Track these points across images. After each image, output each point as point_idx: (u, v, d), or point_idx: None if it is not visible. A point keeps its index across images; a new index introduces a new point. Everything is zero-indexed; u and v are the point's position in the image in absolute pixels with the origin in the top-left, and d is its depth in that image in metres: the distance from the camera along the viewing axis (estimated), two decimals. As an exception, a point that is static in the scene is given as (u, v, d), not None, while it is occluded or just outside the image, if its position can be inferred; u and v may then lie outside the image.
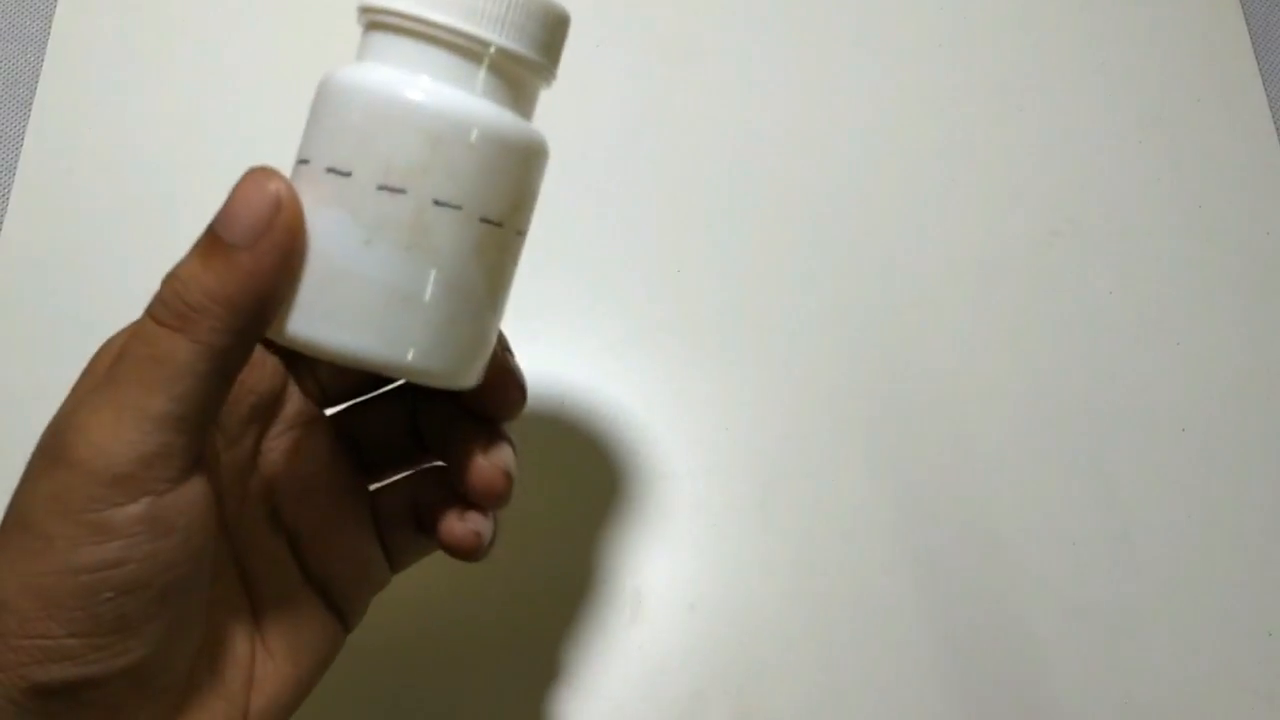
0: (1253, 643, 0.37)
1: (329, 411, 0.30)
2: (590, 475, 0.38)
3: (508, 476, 0.27)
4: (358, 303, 0.23)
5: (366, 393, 0.30)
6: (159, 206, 0.41)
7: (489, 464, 0.27)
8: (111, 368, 0.23)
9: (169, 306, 0.22)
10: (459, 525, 0.28)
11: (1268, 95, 0.45)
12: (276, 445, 0.28)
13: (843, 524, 0.38)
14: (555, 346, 0.40)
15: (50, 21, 0.44)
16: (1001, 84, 0.45)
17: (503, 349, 0.28)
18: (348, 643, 0.29)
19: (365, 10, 0.25)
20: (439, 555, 0.31)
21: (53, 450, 0.22)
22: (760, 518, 0.38)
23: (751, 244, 0.42)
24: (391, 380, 0.30)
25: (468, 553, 0.28)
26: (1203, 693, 0.36)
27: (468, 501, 0.28)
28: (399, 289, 0.24)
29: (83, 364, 0.38)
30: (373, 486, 0.30)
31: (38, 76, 0.43)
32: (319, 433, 0.29)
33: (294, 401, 0.29)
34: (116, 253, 0.41)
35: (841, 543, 0.37)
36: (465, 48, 0.24)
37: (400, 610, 0.35)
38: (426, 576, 0.32)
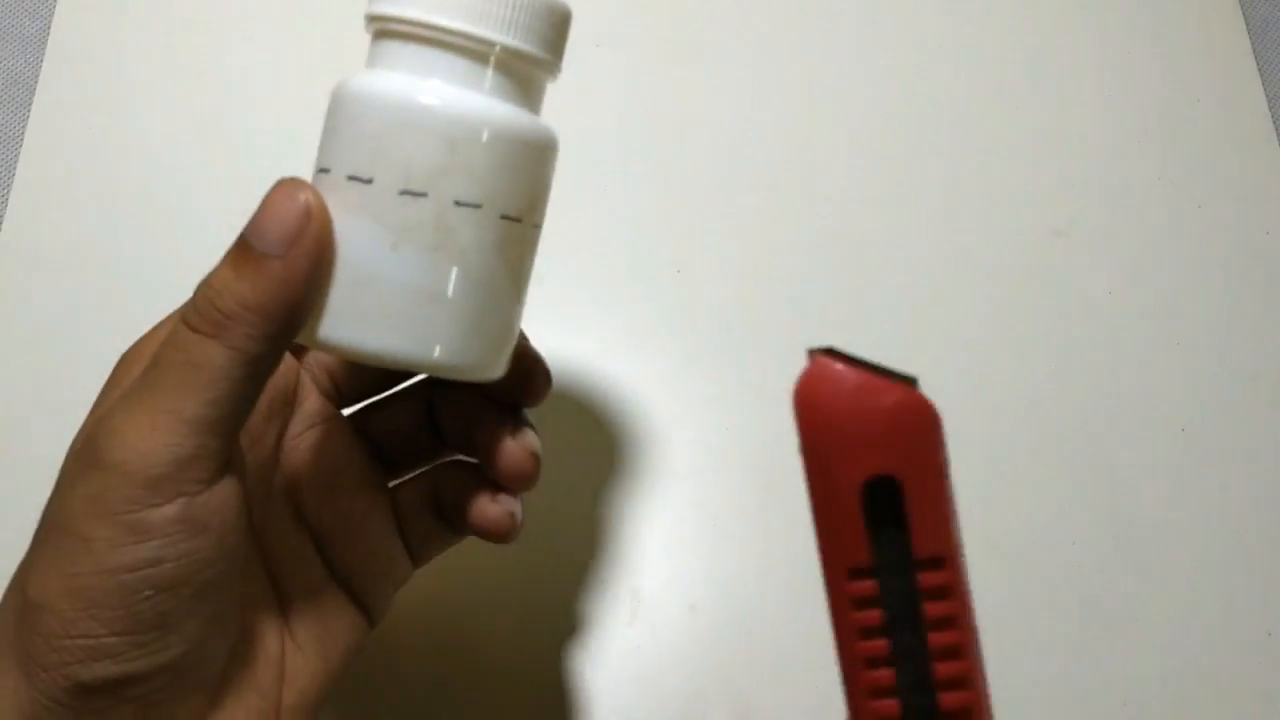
0: (1253, 643, 0.37)
1: (346, 411, 0.31)
2: (590, 475, 0.38)
3: (536, 458, 0.29)
4: (387, 305, 0.24)
5: (382, 391, 0.31)
6: (158, 207, 0.41)
7: (518, 447, 0.28)
8: (146, 373, 0.23)
9: (203, 314, 0.23)
10: (493, 507, 0.29)
11: (1267, 95, 0.45)
12: (297, 444, 0.29)
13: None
14: (554, 347, 0.39)
15: (49, 22, 0.44)
16: (1001, 84, 0.45)
17: (522, 337, 0.28)
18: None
19: (373, 19, 0.25)
20: (443, 555, 0.32)
21: (88, 454, 0.23)
22: (760, 518, 0.38)
23: (752, 244, 0.42)
24: (406, 377, 0.31)
25: (503, 533, 0.29)
26: (1203, 693, 0.36)
27: (496, 487, 0.29)
28: (426, 289, 0.24)
29: (82, 364, 0.38)
30: (391, 483, 0.31)
31: (37, 77, 0.43)
32: (338, 430, 0.30)
33: (312, 400, 0.30)
34: (115, 253, 0.41)
35: (841, 543, 0.37)
36: (473, 49, 0.25)
37: (399, 610, 0.35)
38: (425, 576, 0.32)
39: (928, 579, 0.21)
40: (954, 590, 0.21)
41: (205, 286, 0.23)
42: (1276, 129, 0.45)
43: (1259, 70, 0.46)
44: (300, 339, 0.25)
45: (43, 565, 0.23)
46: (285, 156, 0.42)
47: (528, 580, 0.36)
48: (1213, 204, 0.43)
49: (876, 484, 0.21)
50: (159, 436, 0.22)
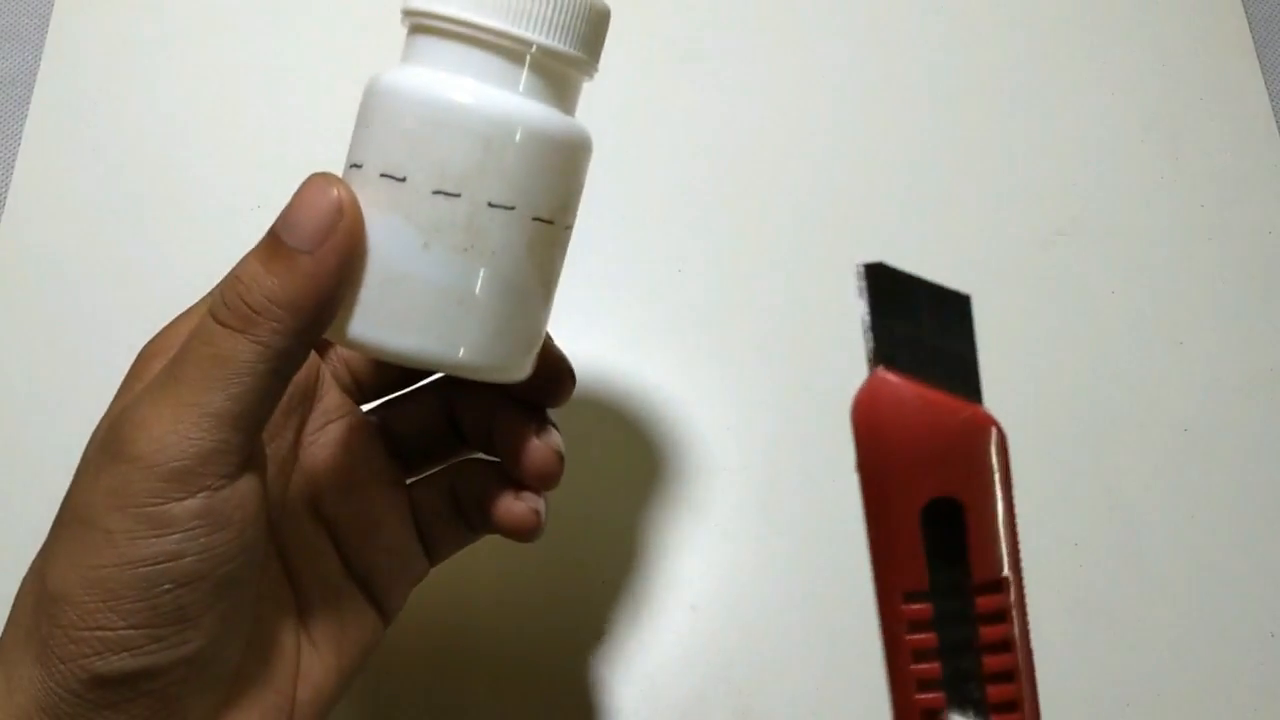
0: (1254, 644, 0.37)
1: (366, 407, 0.31)
2: (590, 476, 0.38)
3: (561, 458, 0.29)
4: (417, 305, 0.24)
5: (402, 388, 0.31)
6: (156, 205, 0.41)
7: (544, 446, 0.28)
8: (172, 365, 0.23)
9: (231, 308, 0.23)
10: (518, 505, 0.29)
11: (1269, 94, 0.45)
12: (315, 439, 0.29)
13: (843, 524, 0.38)
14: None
15: (47, 21, 0.44)
16: (1004, 83, 0.45)
17: (547, 338, 0.28)
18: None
19: (410, 14, 0.25)
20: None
21: (111, 446, 0.23)
22: (761, 518, 0.38)
23: (752, 244, 0.42)
24: (427, 374, 0.31)
25: (529, 530, 0.29)
26: (1203, 693, 0.36)
27: (518, 485, 0.29)
28: (456, 290, 0.24)
29: (80, 361, 0.39)
30: (408, 480, 0.31)
31: (34, 76, 0.43)
32: (357, 426, 0.30)
33: (331, 396, 0.30)
34: (113, 251, 0.41)
35: (842, 543, 0.37)
36: (510, 49, 0.24)
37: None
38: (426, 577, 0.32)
39: (985, 603, 0.20)
40: (1011, 613, 0.20)
41: (234, 280, 0.23)
42: (1279, 127, 0.45)
43: (1261, 68, 0.46)
44: (328, 336, 0.25)
45: (62, 556, 0.23)
46: (284, 153, 0.42)
47: (528, 580, 0.36)
48: (1216, 203, 0.43)
49: (936, 503, 0.20)
50: (183, 430, 0.22)
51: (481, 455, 0.30)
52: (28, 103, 0.43)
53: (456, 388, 0.30)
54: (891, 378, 0.19)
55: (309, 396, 0.29)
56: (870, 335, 0.20)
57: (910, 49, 0.46)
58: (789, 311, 0.41)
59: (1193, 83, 0.45)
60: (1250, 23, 0.47)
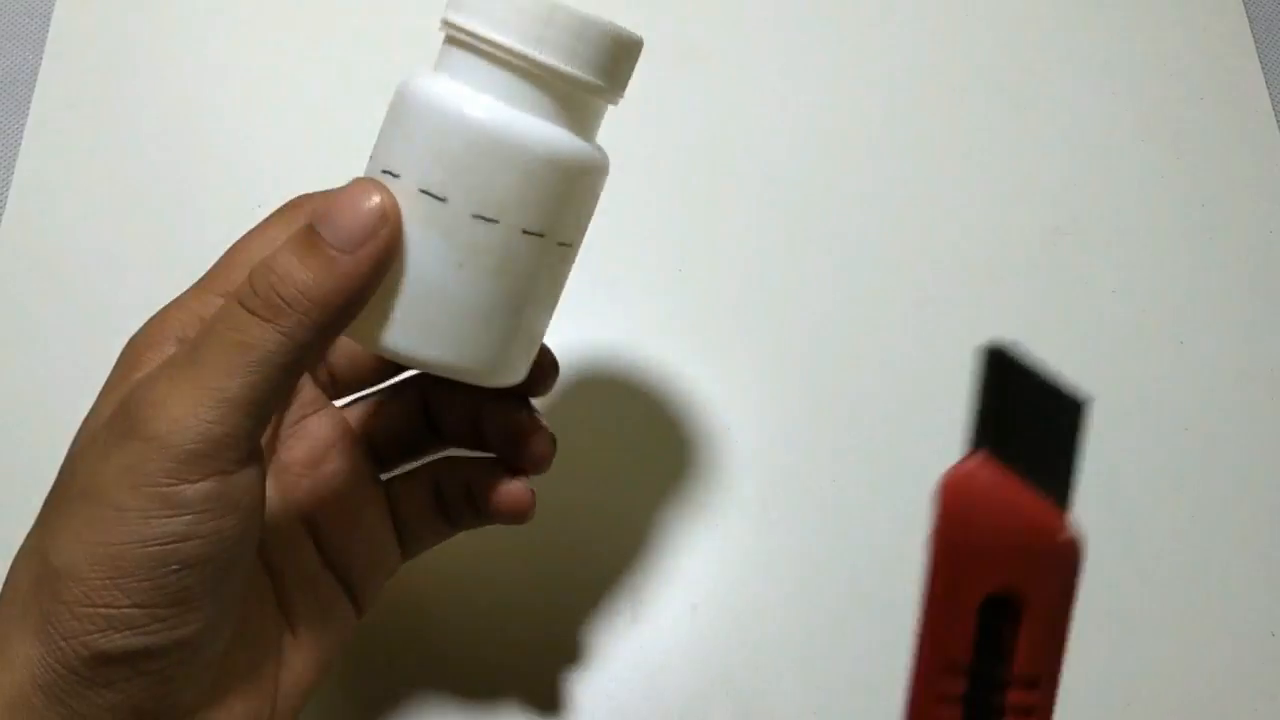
0: (1255, 644, 0.37)
1: (340, 403, 0.31)
2: (591, 476, 0.38)
3: (554, 441, 0.30)
4: (445, 319, 0.25)
5: (376, 384, 0.31)
6: (156, 205, 0.41)
7: (540, 433, 0.29)
8: (193, 349, 0.23)
9: (262, 297, 0.23)
10: (515, 485, 0.29)
11: (1270, 93, 0.45)
12: (293, 433, 0.30)
13: (843, 524, 0.38)
14: (554, 348, 0.39)
15: (48, 20, 0.44)
16: (1004, 82, 0.45)
17: None
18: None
19: (450, 26, 0.25)
20: (436, 554, 0.32)
21: (126, 424, 0.23)
22: (761, 518, 0.38)
23: (752, 244, 0.42)
24: (399, 371, 0.31)
25: (526, 510, 0.30)
26: (1203, 693, 0.36)
27: (510, 473, 0.30)
28: (484, 309, 0.25)
29: (80, 361, 0.38)
30: (386, 476, 0.31)
31: (35, 76, 0.43)
32: (334, 421, 0.30)
33: (307, 390, 0.30)
34: (113, 251, 0.41)
35: (842, 543, 0.37)
36: (559, 86, 0.25)
37: (398, 610, 0.35)
38: (425, 577, 0.32)
39: (1018, 696, 0.21)
40: (1041, 712, 0.21)
41: (267, 271, 0.23)
42: (1279, 127, 0.45)
43: (1262, 68, 0.46)
44: (355, 339, 0.25)
45: (67, 532, 0.23)
46: (284, 152, 0.42)
47: (528, 580, 0.36)
48: (1216, 202, 0.43)
49: (999, 592, 0.20)
50: (201, 413, 0.22)
51: (456, 451, 0.31)
52: (28, 103, 0.43)
53: (434, 385, 0.31)
54: (991, 467, 0.20)
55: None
56: (978, 417, 0.20)
57: (910, 49, 0.46)
58: (789, 311, 0.41)
59: (1193, 83, 0.45)
60: (1250, 23, 0.47)
